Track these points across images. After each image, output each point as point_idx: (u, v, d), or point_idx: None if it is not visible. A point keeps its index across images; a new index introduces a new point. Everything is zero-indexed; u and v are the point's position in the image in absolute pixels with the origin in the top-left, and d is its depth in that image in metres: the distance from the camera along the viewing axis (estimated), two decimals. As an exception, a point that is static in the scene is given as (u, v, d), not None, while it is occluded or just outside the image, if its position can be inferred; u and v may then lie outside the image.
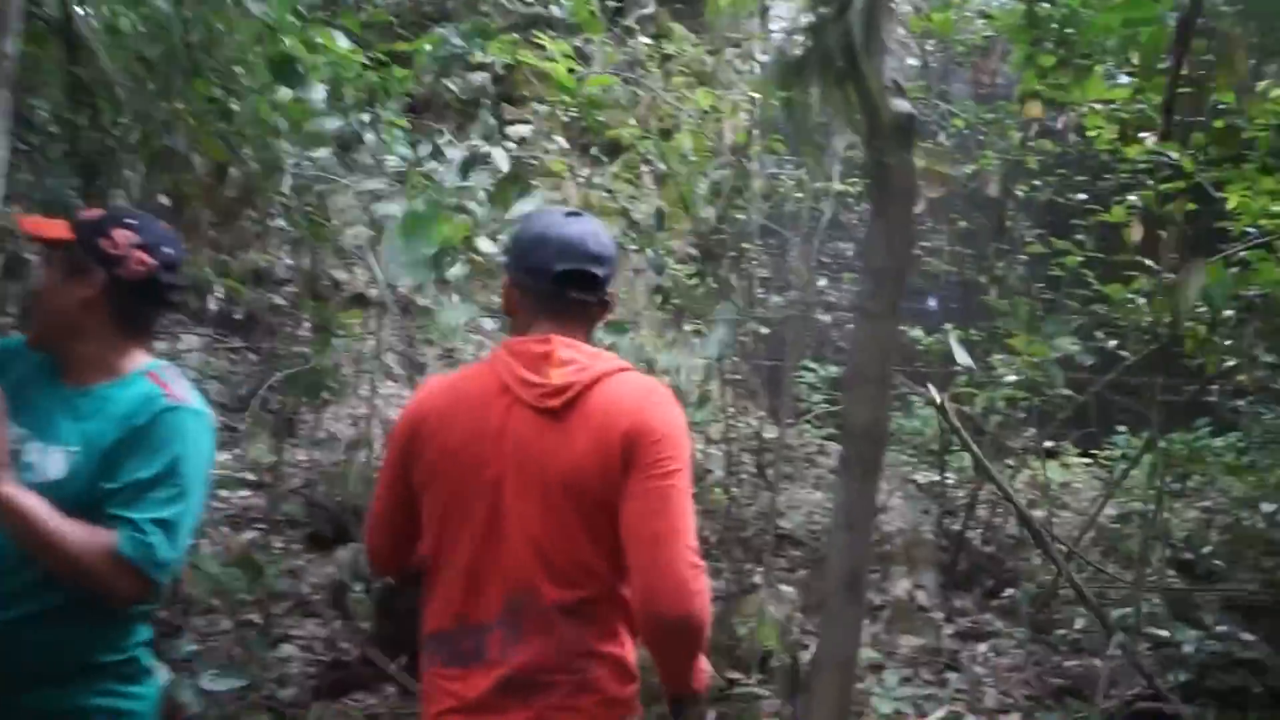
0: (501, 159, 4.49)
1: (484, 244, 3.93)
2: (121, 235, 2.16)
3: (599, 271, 2.01)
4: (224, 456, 5.58)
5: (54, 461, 2.06)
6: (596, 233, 2.04)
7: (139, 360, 2.22)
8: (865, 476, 2.23)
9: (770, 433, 6.37)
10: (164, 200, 4.30)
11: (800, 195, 5.46)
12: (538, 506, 1.89)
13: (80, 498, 2.02)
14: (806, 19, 1.48)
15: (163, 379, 2.20)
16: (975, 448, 5.13)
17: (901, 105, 1.59)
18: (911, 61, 5.46)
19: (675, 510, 1.84)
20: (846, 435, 2.15)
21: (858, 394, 1.91)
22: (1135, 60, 4.01)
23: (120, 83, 3.38)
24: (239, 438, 5.74)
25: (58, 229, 2.19)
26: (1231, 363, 5.13)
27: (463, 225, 3.84)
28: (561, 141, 7.01)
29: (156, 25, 3.35)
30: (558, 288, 1.99)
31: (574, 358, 1.94)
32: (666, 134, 6.20)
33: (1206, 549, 5.94)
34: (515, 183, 4.13)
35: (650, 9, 8.58)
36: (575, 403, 1.90)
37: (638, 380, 2.00)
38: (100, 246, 2.15)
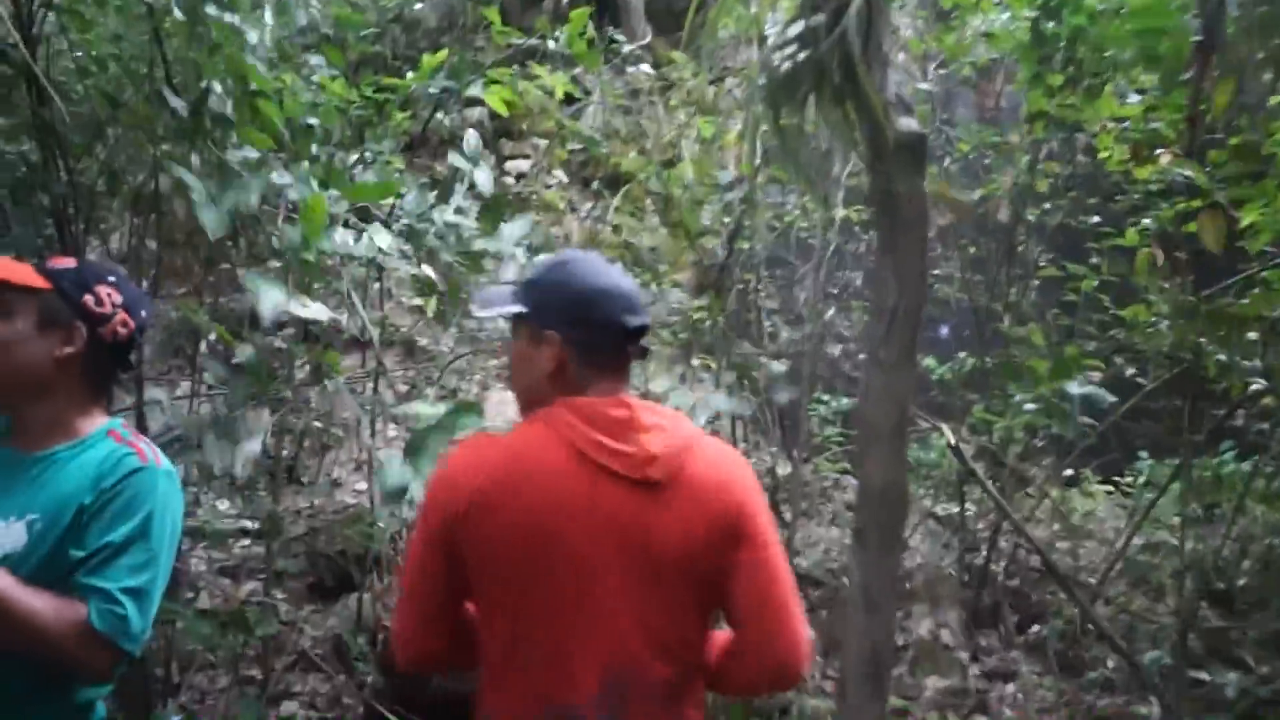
0: (485, 181, 4.36)
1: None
2: (106, 292, 2.07)
3: (649, 322, 1.95)
4: (223, 505, 5.44)
5: (13, 534, 1.92)
6: (635, 284, 1.96)
7: (99, 420, 2.10)
8: (884, 547, 2.00)
9: (784, 469, 6.21)
10: (149, 244, 4.20)
11: (806, 225, 5.32)
12: (644, 582, 1.81)
13: (43, 569, 1.89)
14: (797, 29, 1.30)
15: (126, 438, 2.08)
16: (991, 488, 4.95)
17: (909, 124, 1.39)
18: (923, 86, 5.32)
19: (784, 575, 1.88)
20: (861, 499, 1.86)
21: (872, 452, 1.64)
22: (1151, 75, 3.88)
23: (89, 124, 3.25)
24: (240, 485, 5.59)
25: (28, 275, 2.05)
26: (1257, 386, 4.95)
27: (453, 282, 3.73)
28: (561, 175, 6.94)
29: (127, 68, 3.23)
30: (621, 344, 1.90)
31: (659, 422, 1.85)
32: (669, 164, 6.10)
33: (1241, 580, 5.72)
34: (501, 206, 3.99)
35: (648, 38, 8.53)
36: (675, 473, 1.82)
37: (720, 447, 1.97)
38: (85, 303, 2.04)
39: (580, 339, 1.87)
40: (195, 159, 3.16)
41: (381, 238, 3.18)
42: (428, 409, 3.38)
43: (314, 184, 3.16)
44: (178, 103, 3.02)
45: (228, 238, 4.30)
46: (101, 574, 1.89)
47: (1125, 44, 2.84)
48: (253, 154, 3.13)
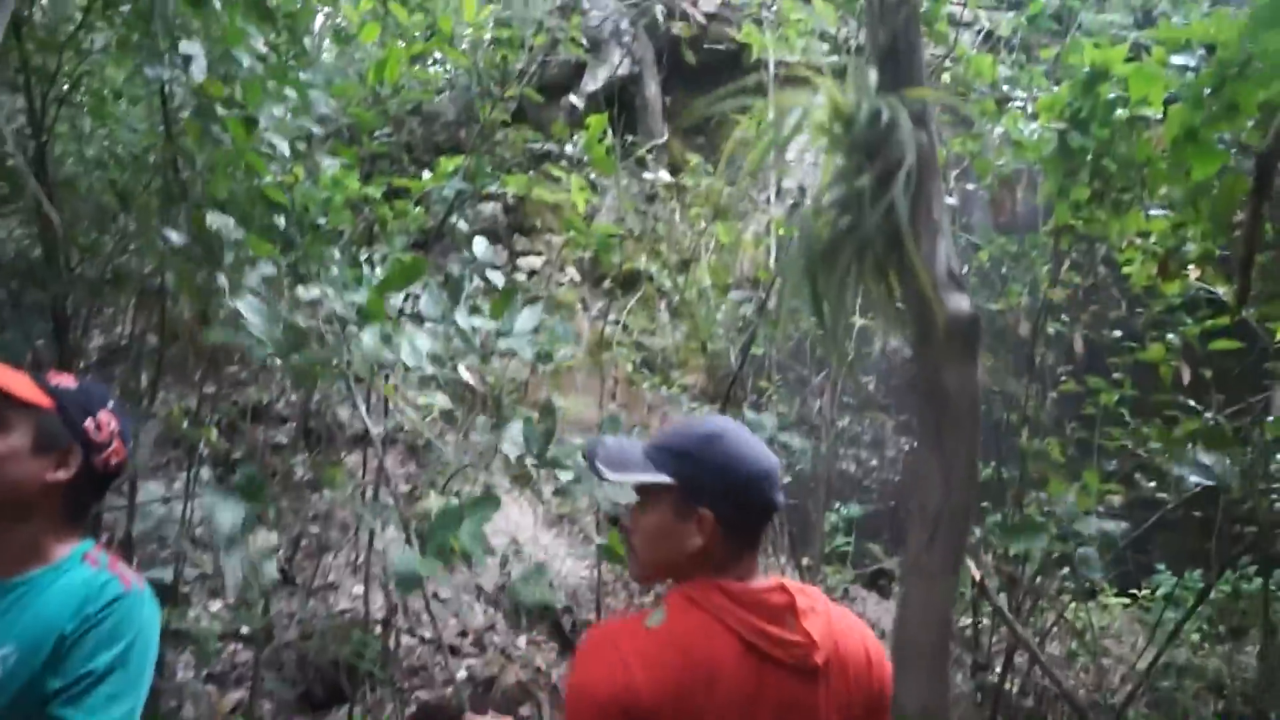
0: (496, 279, 4.31)
1: (464, 373, 3.75)
2: (106, 419, 2.00)
3: None
4: (215, 605, 5.30)
5: (-16, 669, 1.82)
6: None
7: (72, 543, 1.99)
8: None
9: (792, 578, 6.05)
10: (151, 338, 4.13)
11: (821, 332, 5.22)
12: None
13: (17, 702, 1.79)
14: (837, 192, 1.20)
15: (103, 562, 1.98)
16: (1006, 611, 4.78)
17: (960, 304, 1.27)
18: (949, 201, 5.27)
19: None
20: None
21: (909, 673, 1.45)
22: (1177, 189, 3.82)
23: (97, 217, 3.19)
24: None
25: (31, 389, 1.96)
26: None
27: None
28: (573, 273, 6.90)
29: (137, 162, 3.18)
30: (766, 521, 1.87)
31: (812, 605, 1.83)
32: (684, 265, 6.05)
33: (1273, 712, 5.50)
34: (512, 296, 3.91)
35: (665, 137, 8.58)
36: (831, 655, 1.81)
37: (850, 617, 1.94)
38: (86, 428, 1.96)
39: (734, 518, 1.81)
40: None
41: (421, 341, 3.08)
42: (437, 502, 3.26)
43: (361, 291, 3.09)
44: (177, 237, 2.96)
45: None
46: (80, 704, 1.80)
47: (1176, 183, 2.76)
48: (269, 269, 3.05)
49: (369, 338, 2.82)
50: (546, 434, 3.13)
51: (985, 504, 6.04)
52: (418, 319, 3.25)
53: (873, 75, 1.21)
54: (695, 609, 1.75)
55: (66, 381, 2.02)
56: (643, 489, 1.88)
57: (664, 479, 1.82)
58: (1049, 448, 5.18)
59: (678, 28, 7.40)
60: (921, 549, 1.38)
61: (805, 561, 5.73)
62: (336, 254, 3.40)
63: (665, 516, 1.83)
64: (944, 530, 1.37)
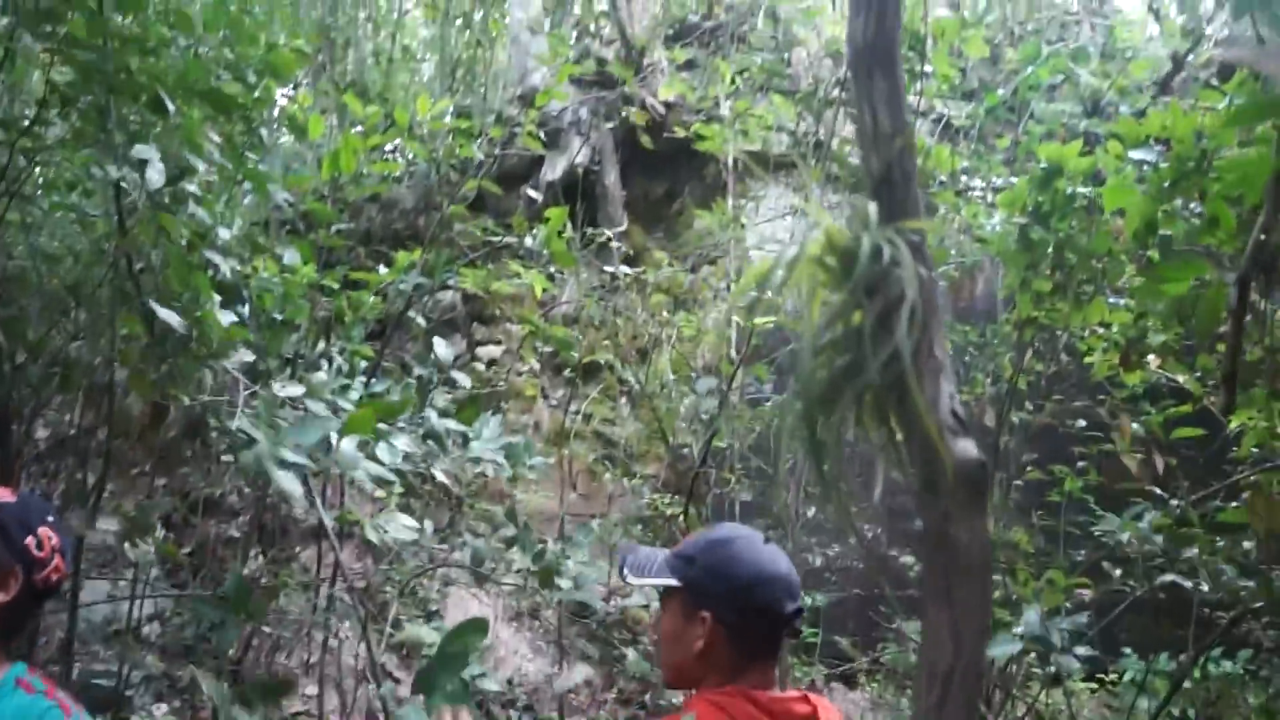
0: (462, 379, 4.32)
1: (438, 474, 3.71)
2: (47, 534, 1.89)
3: (804, 605, 1.92)
4: (161, 710, 5.08)
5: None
6: (791, 563, 1.92)
7: (5, 666, 1.87)
8: None
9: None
10: (99, 436, 4.00)
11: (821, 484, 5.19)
12: None
13: None
14: (832, 332, 1.15)
15: (39, 687, 1.86)
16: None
17: (967, 450, 1.21)
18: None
19: None
20: None
21: None
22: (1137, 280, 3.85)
23: (47, 311, 3.10)
24: (181, 687, 5.23)
25: None
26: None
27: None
28: (533, 363, 6.84)
29: (87, 254, 3.10)
30: (779, 630, 1.86)
31: (834, 718, 1.86)
32: (643, 354, 6.01)
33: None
34: (479, 403, 3.91)
35: (624, 225, 8.60)
36: None
37: None
38: (27, 546, 1.85)
39: (735, 623, 1.84)
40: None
41: (400, 441, 3.02)
42: (428, 633, 3.18)
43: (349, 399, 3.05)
44: (175, 319, 2.89)
45: (185, 433, 4.12)
46: None
47: (1156, 297, 2.78)
48: (247, 355, 3.00)
49: (349, 446, 2.75)
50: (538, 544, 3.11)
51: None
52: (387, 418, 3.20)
53: (871, 208, 1.17)
54: (722, 713, 1.76)
55: (4, 495, 1.92)
56: (663, 594, 1.94)
57: (672, 582, 1.88)
58: (1016, 537, 5.15)
59: (636, 117, 7.46)
60: (932, 711, 1.29)
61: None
62: (318, 354, 3.35)
63: (676, 619, 1.89)
64: (956, 691, 1.29)
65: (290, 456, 2.80)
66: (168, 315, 3.04)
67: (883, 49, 1.25)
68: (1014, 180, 4.33)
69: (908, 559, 7.00)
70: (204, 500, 5.99)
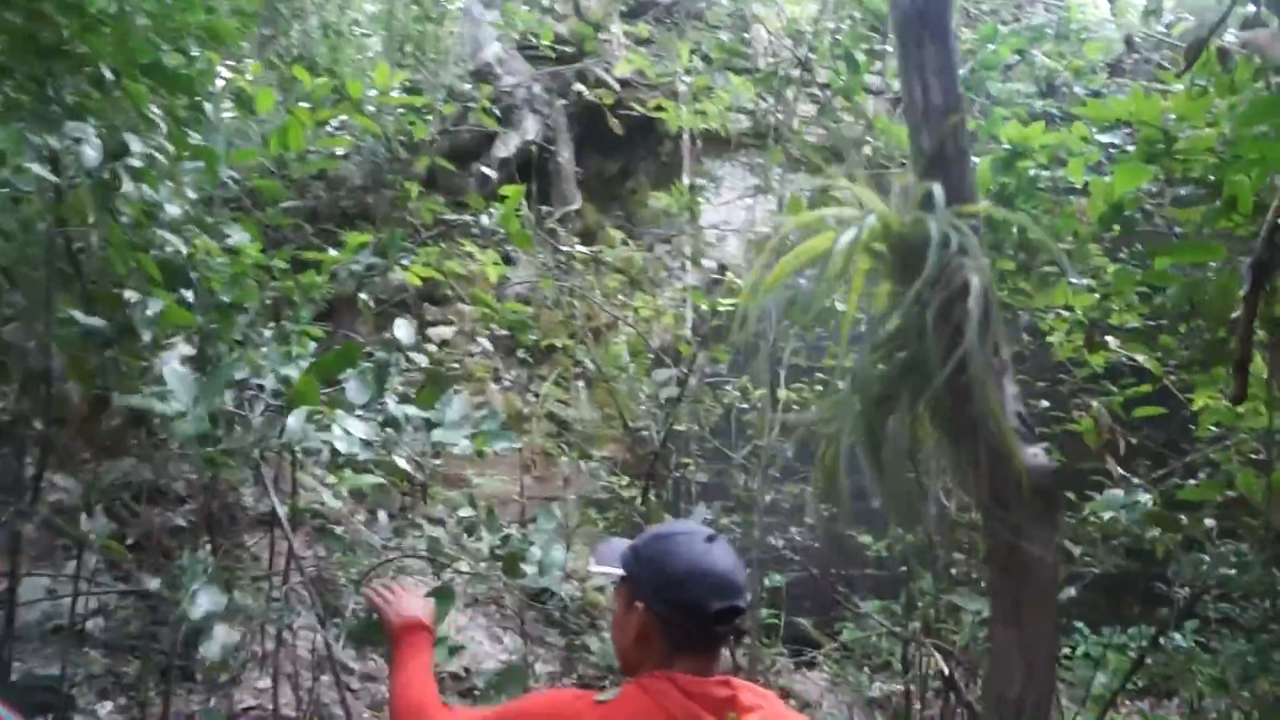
0: (422, 361, 4.22)
1: (400, 461, 3.60)
2: None
3: (744, 604, 1.93)
4: (105, 708, 4.92)
5: None
6: (738, 561, 1.97)
7: None
8: None
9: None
10: (37, 426, 3.83)
11: (746, 404, 5.15)
12: None
13: None
14: (888, 329, 1.04)
15: None
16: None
17: (1038, 458, 1.11)
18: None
19: None
20: None
21: None
22: (1103, 260, 3.84)
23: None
24: (126, 684, 5.06)
25: None
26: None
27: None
28: (485, 343, 6.70)
29: (23, 233, 2.94)
30: (708, 625, 1.89)
31: (758, 702, 1.89)
32: (598, 334, 5.92)
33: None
34: (439, 384, 3.79)
35: (578, 204, 8.47)
36: None
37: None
38: None
39: (665, 616, 1.90)
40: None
41: (354, 425, 2.89)
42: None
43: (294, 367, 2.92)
44: (95, 322, 2.75)
45: (129, 422, 3.96)
46: None
47: (1167, 281, 2.73)
48: (187, 349, 2.87)
49: (296, 421, 2.63)
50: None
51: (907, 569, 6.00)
52: (342, 402, 3.07)
53: (936, 190, 1.08)
54: (644, 694, 1.85)
55: None
56: (616, 583, 2.02)
57: (617, 572, 1.98)
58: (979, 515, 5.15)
59: (592, 94, 7.33)
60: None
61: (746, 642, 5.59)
62: (264, 332, 3.22)
63: (620, 607, 1.99)
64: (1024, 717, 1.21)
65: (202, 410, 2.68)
66: (90, 321, 2.93)
67: (934, 14, 1.16)
68: (975, 161, 4.28)
69: (865, 539, 6.99)
70: (147, 488, 5.80)
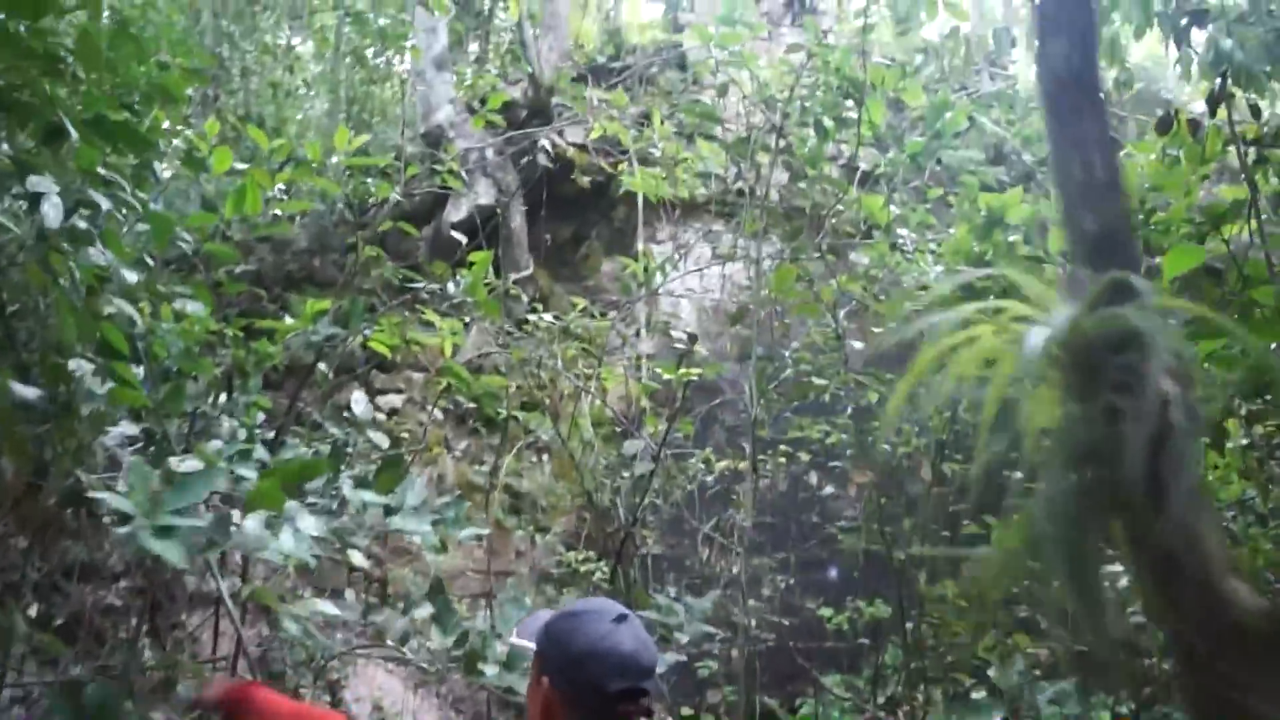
0: (380, 439, 4.05)
1: (356, 556, 3.40)
2: None
3: (651, 686, 1.89)
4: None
5: None
6: (647, 642, 1.93)
7: None
8: None
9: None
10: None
11: (711, 478, 5.02)
12: None
13: None
14: (1071, 443, 0.92)
15: None
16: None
17: (1255, 599, 0.98)
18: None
19: None
20: None
21: None
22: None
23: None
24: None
25: None
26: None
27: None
28: (437, 413, 6.51)
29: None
30: (610, 705, 1.84)
31: None
32: (556, 403, 5.76)
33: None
34: (398, 467, 3.61)
35: (530, 269, 8.34)
36: None
37: None
38: None
39: (567, 694, 1.87)
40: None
41: (306, 522, 2.68)
42: None
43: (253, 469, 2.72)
44: (31, 393, 2.54)
45: (65, 500, 3.71)
46: None
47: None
48: (130, 429, 2.66)
49: (255, 524, 2.43)
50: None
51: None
52: (293, 489, 2.86)
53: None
54: None
55: None
56: (534, 655, 1.99)
57: (528, 645, 1.97)
58: (946, 586, 5.07)
59: (544, 158, 7.24)
60: None
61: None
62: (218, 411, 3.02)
63: (532, 681, 1.97)
64: None
65: (174, 522, 2.49)
66: (25, 390, 2.73)
67: (1089, 83, 1.02)
68: (951, 231, 4.26)
69: (824, 610, 6.88)
70: (79, 564, 5.48)
